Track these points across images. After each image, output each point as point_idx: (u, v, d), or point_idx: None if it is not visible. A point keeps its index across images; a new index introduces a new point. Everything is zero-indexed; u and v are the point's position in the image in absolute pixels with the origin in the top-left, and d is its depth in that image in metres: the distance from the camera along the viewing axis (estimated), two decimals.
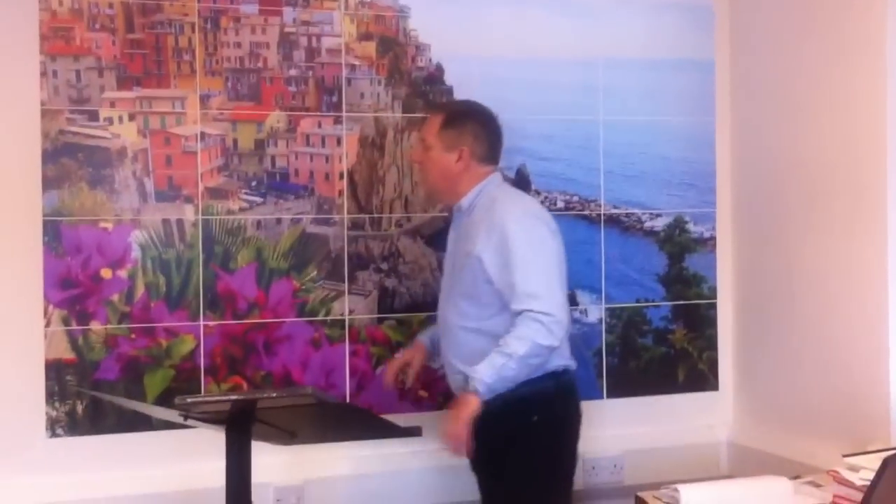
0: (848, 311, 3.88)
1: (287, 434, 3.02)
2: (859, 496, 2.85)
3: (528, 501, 3.50)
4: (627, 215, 4.41)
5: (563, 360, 3.53)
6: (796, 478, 3.37)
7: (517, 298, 3.39)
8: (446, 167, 3.60)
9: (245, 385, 3.91)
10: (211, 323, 3.88)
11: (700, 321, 4.53)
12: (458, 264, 3.59)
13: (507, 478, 3.51)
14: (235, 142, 3.94)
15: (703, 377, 4.53)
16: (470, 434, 3.39)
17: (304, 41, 4.04)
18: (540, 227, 3.50)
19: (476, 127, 3.61)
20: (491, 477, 3.59)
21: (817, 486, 3.30)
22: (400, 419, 3.44)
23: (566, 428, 3.57)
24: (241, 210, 3.93)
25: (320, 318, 4.01)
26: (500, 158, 3.66)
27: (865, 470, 3.03)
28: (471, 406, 3.38)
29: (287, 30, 4.02)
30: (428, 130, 3.65)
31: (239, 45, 3.96)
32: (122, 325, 3.79)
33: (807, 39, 4.07)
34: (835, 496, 3.08)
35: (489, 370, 3.36)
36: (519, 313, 3.38)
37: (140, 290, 3.81)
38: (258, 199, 3.96)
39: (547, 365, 3.46)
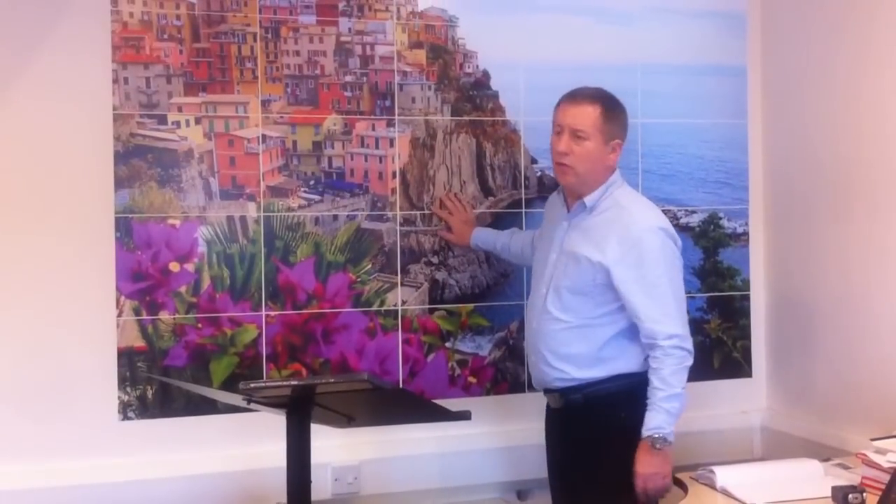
0: (875, 303, 3.86)
1: (344, 418, 3.01)
2: (886, 478, 2.82)
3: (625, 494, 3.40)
4: (664, 212, 4.35)
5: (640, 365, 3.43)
6: (826, 460, 3.36)
7: (654, 320, 3.34)
8: (600, 160, 3.44)
9: (304, 371, 3.90)
10: (272, 313, 3.87)
11: (734, 312, 4.49)
12: (569, 260, 3.47)
13: (602, 473, 3.40)
14: (295, 143, 3.94)
15: (737, 365, 4.48)
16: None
17: (358, 49, 4.03)
18: (671, 245, 3.42)
19: (626, 119, 3.53)
20: (583, 475, 3.47)
21: (846, 468, 3.28)
22: (450, 404, 3.40)
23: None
24: (301, 207, 3.92)
25: (375, 308, 3.99)
26: None
27: (892, 453, 3.02)
28: (670, 459, 3.33)
29: (343, 39, 4.01)
30: (583, 120, 3.42)
31: (298, 53, 3.95)
32: (190, 315, 3.79)
33: (836, 44, 4.04)
34: (863, 478, 3.05)
35: (667, 418, 3.31)
36: (655, 341, 3.33)
37: (206, 283, 3.81)
38: (316, 197, 3.95)
39: (624, 367, 3.42)
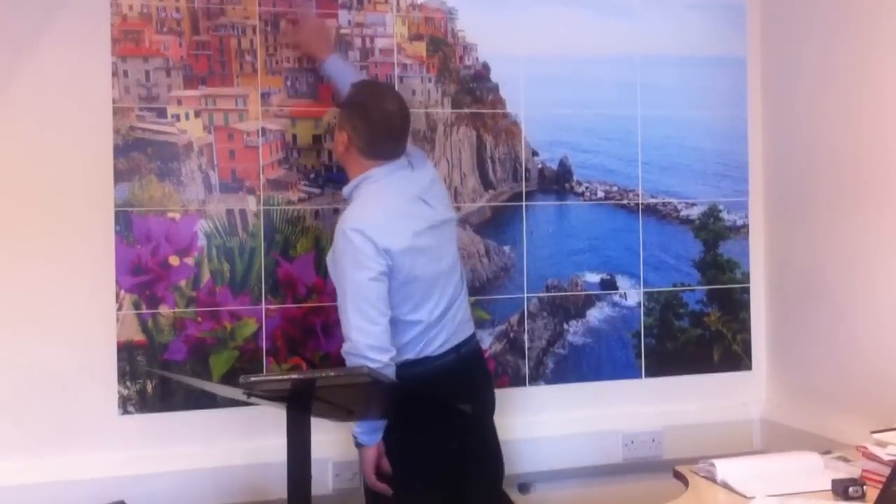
0: (875, 294, 3.85)
1: (344, 411, 3.01)
2: (887, 470, 2.80)
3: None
4: (664, 204, 4.37)
5: (407, 354, 3.43)
6: (826, 453, 3.33)
7: (340, 320, 3.38)
8: (336, 143, 3.54)
9: (304, 365, 3.90)
10: (272, 307, 3.87)
11: (734, 304, 4.48)
12: None
13: None
14: (294, 137, 3.93)
15: (737, 357, 4.48)
16: (376, 481, 3.42)
17: (358, 42, 4.02)
18: (363, 246, 3.27)
19: (357, 120, 3.45)
20: None
21: (846, 461, 3.25)
22: None
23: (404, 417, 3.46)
24: (300, 201, 3.92)
25: None
26: (392, 155, 3.48)
27: (893, 446, 3.00)
28: (365, 459, 3.42)
29: (342, 31, 4.00)
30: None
31: (298, 45, 3.94)
32: (189, 309, 3.79)
33: (836, 35, 4.02)
34: (863, 470, 3.02)
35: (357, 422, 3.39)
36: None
37: (206, 277, 3.81)
38: (316, 191, 3.94)
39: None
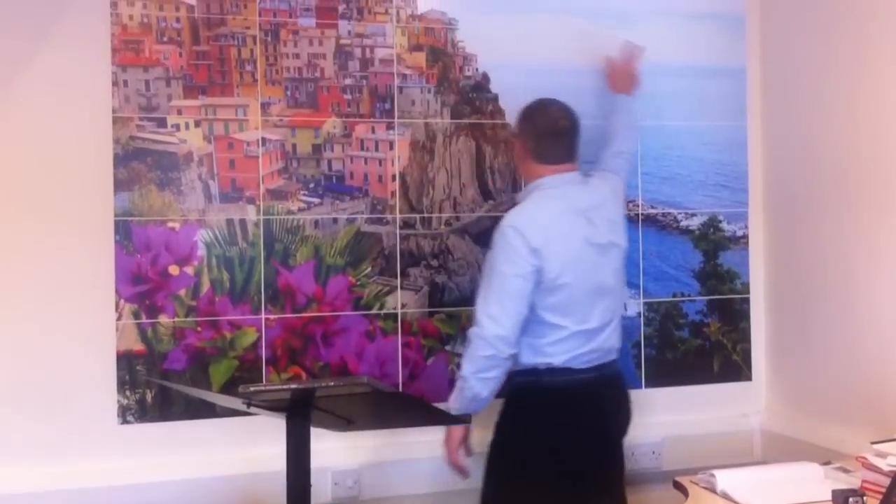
0: (874, 305, 3.84)
1: (344, 421, 3.01)
2: (887, 481, 2.81)
3: (490, 492, 3.61)
4: (664, 215, 4.37)
5: (541, 357, 3.52)
6: (826, 463, 3.33)
7: (476, 305, 3.52)
8: (515, 153, 3.86)
9: (304, 375, 3.89)
10: (272, 316, 3.87)
11: (734, 315, 4.48)
12: None
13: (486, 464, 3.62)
14: (294, 146, 3.93)
15: (737, 368, 4.48)
16: (458, 459, 3.56)
17: (358, 52, 4.02)
18: (515, 241, 3.45)
19: (525, 124, 3.71)
20: None
21: (846, 471, 3.25)
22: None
23: (531, 420, 3.53)
24: (300, 210, 3.92)
25: (375, 311, 3.99)
26: (559, 158, 3.65)
27: (893, 456, 3.00)
28: (452, 436, 3.53)
29: (342, 41, 4.01)
30: None
31: (297, 56, 3.95)
32: (189, 319, 3.79)
33: (835, 44, 4.03)
34: (863, 481, 3.03)
35: (453, 396, 3.51)
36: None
37: (205, 286, 3.81)
38: (316, 200, 3.95)
39: (523, 360, 3.52)
